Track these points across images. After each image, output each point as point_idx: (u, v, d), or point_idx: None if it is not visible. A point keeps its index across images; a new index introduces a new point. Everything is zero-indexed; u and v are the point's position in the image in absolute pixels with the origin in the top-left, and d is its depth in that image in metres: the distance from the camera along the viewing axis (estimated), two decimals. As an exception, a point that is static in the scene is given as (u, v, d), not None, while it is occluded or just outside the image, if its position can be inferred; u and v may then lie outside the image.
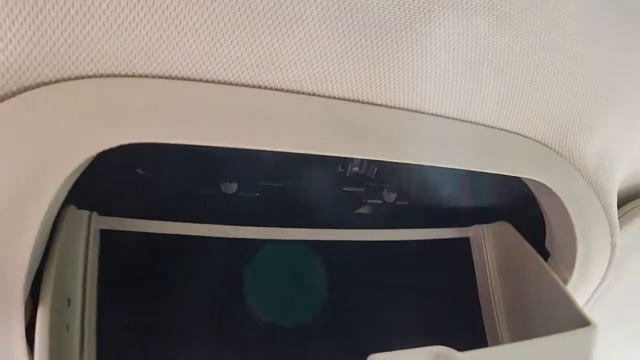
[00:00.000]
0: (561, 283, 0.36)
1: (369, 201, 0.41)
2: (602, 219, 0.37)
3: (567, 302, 0.34)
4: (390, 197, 0.42)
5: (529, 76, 0.27)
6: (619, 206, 0.43)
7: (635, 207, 0.46)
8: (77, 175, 0.24)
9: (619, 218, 0.41)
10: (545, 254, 0.40)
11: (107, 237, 0.32)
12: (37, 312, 0.22)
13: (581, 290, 0.40)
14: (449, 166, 0.28)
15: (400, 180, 0.41)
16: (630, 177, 0.44)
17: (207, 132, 0.22)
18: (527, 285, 0.40)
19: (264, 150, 0.36)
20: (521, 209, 0.43)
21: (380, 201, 0.42)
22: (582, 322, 0.32)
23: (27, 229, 0.21)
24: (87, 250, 0.31)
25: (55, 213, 0.24)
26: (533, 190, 0.37)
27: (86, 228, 0.31)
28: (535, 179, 0.32)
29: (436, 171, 0.43)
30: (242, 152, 0.36)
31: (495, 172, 0.31)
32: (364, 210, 0.41)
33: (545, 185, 0.33)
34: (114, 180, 0.34)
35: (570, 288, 0.38)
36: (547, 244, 0.39)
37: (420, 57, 0.23)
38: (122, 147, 0.33)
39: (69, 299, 0.28)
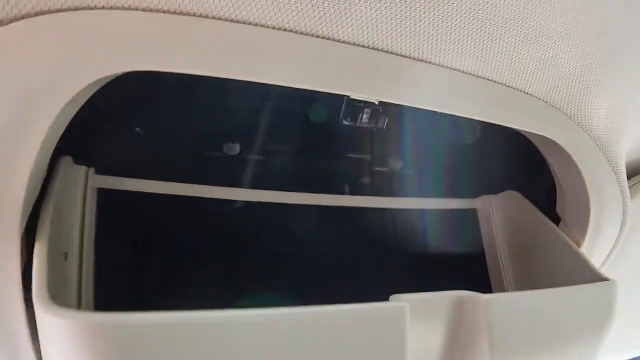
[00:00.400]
0: (575, 246, 0.35)
1: (375, 169, 0.40)
2: (612, 179, 0.37)
3: (583, 264, 0.33)
4: (397, 165, 0.41)
5: (533, 35, 0.27)
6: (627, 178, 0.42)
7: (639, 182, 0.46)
8: (77, 107, 0.22)
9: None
10: (556, 221, 0.39)
11: (105, 196, 0.31)
12: (35, 247, 0.21)
13: (593, 256, 0.39)
14: (454, 113, 0.28)
15: (407, 147, 0.40)
16: (637, 149, 0.43)
17: (209, 64, 0.21)
18: (538, 253, 0.39)
19: (268, 110, 0.35)
20: (530, 177, 0.42)
21: (386, 169, 0.40)
22: (600, 280, 0.31)
23: (26, 154, 0.20)
24: (84, 207, 0.29)
25: (53, 146, 0.22)
26: (542, 152, 0.36)
27: (83, 185, 0.30)
28: (543, 134, 0.32)
29: (444, 140, 0.43)
30: (245, 110, 0.35)
31: (502, 124, 0.30)
32: (370, 178, 0.40)
33: (554, 143, 0.33)
34: (112, 140, 0.33)
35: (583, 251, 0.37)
36: (559, 208, 0.38)
37: (435, 14, 0.23)
38: (121, 103, 0.32)
39: (66, 253, 0.26)
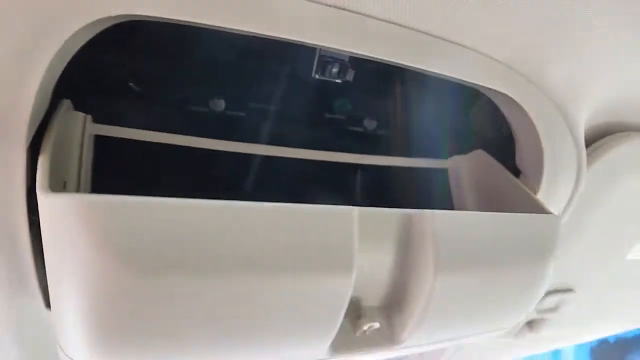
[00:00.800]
0: (528, 190, 0.38)
1: (350, 128, 0.44)
2: (567, 135, 0.40)
3: (534, 204, 0.36)
4: (371, 124, 0.44)
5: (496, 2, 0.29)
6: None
7: (600, 146, 0.49)
8: (74, 49, 0.26)
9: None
10: (517, 174, 0.42)
11: (100, 142, 0.34)
12: (39, 157, 0.24)
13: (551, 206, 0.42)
14: (416, 67, 0.31)
15: (381, 108, 0.44)
16: (598, 115, 0.46)
17: (208, 13, 0.24)
18: (501, 204, 0.42)
19: (251, 68, 0.38)
20: (496, 137, 0.45)
21: (361, 129, 0.44)
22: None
23: (31, 79, 0.23)
24: (82, 148, 0.33)
25: (54, 80, 0.26)
26: (500, 107, 0.39)
27: (81, 128, 0.33)
28: (499, 90, 0.34)
29: (417, 103, 0.46)
30: (230, 67, 0.38)
31: (457, 79, 0.33)
32: (346, 137, 0.44)
33: (512, 100, 0.36)
34: (108, 93, 0.37)
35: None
36: (518, 161, 0.42)
37: None
38: (117, 59, 0.36)
39: (65, 182, 0.30)
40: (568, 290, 0.60)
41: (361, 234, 0.25)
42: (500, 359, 0.79)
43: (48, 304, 0.31)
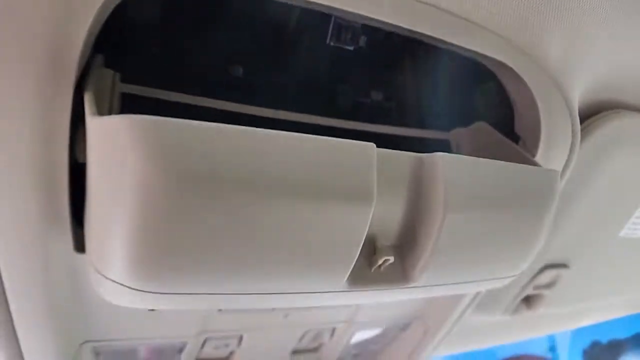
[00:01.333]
0: (529, 155, 0.41)
1: (358, 100, 0.46)
2: (563, 105, 0.42)
3: (533, 164, 0.39)
4: (378, 96, 0.46)
5: None
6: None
7: (593, 122, 0.51)
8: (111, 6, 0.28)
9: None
10: (516, 140, 0.45)
11: (128, 100, 0.37)
12: (84, 93, 0.26)
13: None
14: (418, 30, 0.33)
15: (390, 80, 0.46)
16: (594, 89, 0.49)
17: None
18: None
19: (268, 35, 0.41)
20: (497, 108, 0.47)
21: (368, 100, 0.46)
22: None
23: (85, 19, 0.25)
24: (111, 106, 0.35)
25: (98, 28, 0.28)
26: (500, 78, 0.42)
27: (110, 86, 0.35)
28: (498, 58, 0.36)
29: (423, 77, 0.49)
30: (249, 33, 0.41)
31: (450, 44, 0.35)
32: (354, 106, 0.46)
33: (509, 69, 0.38)
34: (133, 56, 0.39)
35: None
36: (517, 128, 0.44)
37: None
38: (143, 22, 0.38)
39: None
40: (563, 265, 0.63)
41: (378, 172, 0.27)
42: (497, 341, 0.82)
43: (77, 248, 0.33)
